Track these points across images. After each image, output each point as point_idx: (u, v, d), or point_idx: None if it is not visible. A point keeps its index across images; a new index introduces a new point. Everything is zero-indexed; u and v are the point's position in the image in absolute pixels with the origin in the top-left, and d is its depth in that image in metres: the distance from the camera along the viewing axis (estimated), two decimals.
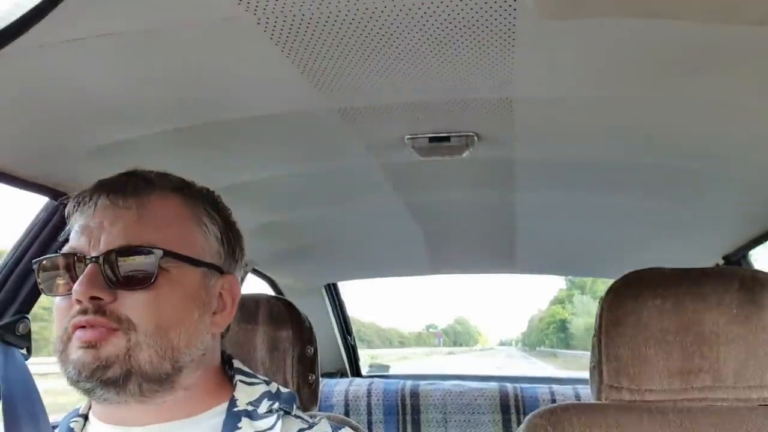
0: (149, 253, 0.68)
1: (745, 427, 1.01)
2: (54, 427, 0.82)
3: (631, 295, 1.08)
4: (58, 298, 0.70)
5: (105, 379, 0.66)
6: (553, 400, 2.22)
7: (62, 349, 0.67)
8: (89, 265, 0.67)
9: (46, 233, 1.19)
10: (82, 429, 0.75)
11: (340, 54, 0.83)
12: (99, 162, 1.10)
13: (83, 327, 0.66)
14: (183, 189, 0.76)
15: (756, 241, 1.61)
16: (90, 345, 0.66)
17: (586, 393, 2.19)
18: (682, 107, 1.01)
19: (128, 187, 0.72)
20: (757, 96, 0.94)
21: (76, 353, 0.66)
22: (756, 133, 1.07)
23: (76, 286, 0.66)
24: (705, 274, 1.09)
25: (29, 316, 1.12)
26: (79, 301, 0.66)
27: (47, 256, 0.73)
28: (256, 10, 0.72)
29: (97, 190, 0.73)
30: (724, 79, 0.89)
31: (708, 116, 1.04)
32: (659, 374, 1.05)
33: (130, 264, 0.68)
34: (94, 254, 0.68)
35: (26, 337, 1.06)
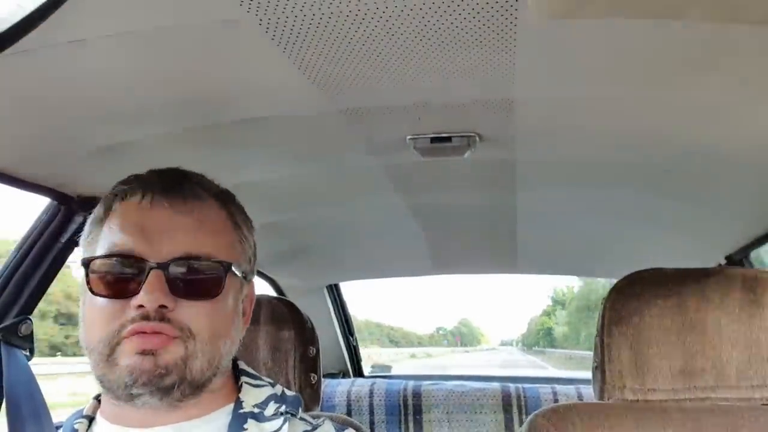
0: (215, 265, 0.69)
1: (748, 426, 1.01)
2: (57, 428, 0.82)
3: (634, 295, 1.08)
4: (102, 299, 0.68)
5: (162, 386, 0.65)
6: (556, 400, 2.22)
7: (109, 353, 0.66)
8: (154, 272, 0.66)
9: (48, 234, 1.19)
10: (87, 430, 0.75)
11: (342, 55, 0.83)
12: (102, 163, 1.10)
13: (142, 333, 0.65)
14: (228, 199, 0.77)
15: (759, 241, 1.61)
16: (150, 352, 0.65)
17: (589, 393, 2.19)
18: (683, 107, 1.01)
19: (186, 191, 0.72)
20: (758, 95, 0.94)
21: (131, 359, 0.65)
22: (758, 133, 1.07)
23: (143, 293, 0.65)
24: (707, 274, 1.09)
25: (31, 318, 1.12)
26: (141, 307, 0.65)
27: (101, 255, 0.70)
28: (257, 11, 0.72)
29: (150, 187, 0.71)
30: (726, 78, 0.89)
31: (710, 116, 1.04)
32: (662, 374, 1.05)
33: (194, 275, 0.68)
34: (158, 260, 0.67)
35: (29, 339, 1.06)
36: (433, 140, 1.16)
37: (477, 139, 1.15)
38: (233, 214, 0.76)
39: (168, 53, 0.82)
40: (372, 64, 0.86)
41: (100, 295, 0.68)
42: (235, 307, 0.73)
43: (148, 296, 0.65)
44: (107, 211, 0.73)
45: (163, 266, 0.67)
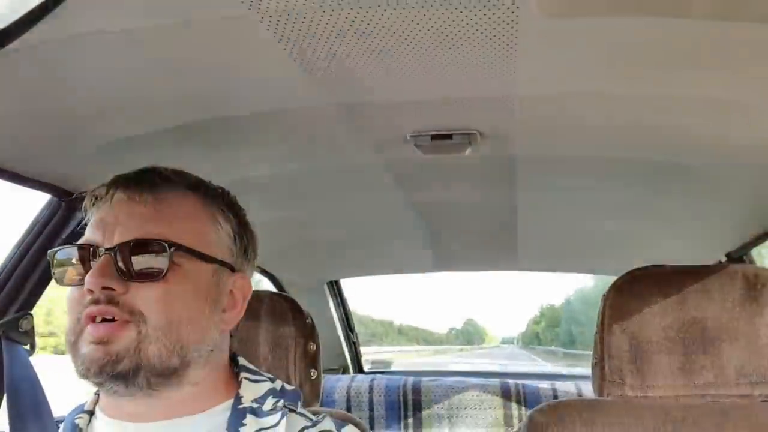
0: (161, 246, 0.69)
1: (747, 423, 1.02)
2: (58, 422, 0.82)
3: (634, 292, 1.08)
4: (70, 289, 0.71)
5: (115, 373, 0.66)
6: (555, 397, 2.22)
7: (74, 341, 0.68)
8: (102, 256, 0.68)
9: (49, 230, 1.19)
10: (87, 424, 0.76)
11: (343, 51, 0.83)
12: (102, 159, 1.10)
13: (94, 320, 0.67)
14: (199, 187, 0.77)
15: (759, 239, 1.61)
16: (101, 341, 0.66)
17: (588, 389, 2.19)
18: (684, 105, 1.01)
19: (145, 182, 0.73)
20: (759, 93, 0.94)
21: (86, 348, 0.66)
22: (759, 130, 1.07)
23: (88, 276, 0.67)
24: (707, 272, 1.09)
25: (32, 313, 1.12)
26: (91, 291, 0.67)
27: (62, 247, 0.73)
28: (259, 7, 0.72)
29: (113, 184, 0.73)
30: (727, 76, 0.89)
31: (711, 114, 1.03)
32: (661, 371, 1.06)
33: (142, 257, 0.69)
34: (108, 246, 0.69)
35: (30, 334, 1.06)
36: (434, 137, 1.16)
37: (478, 136, 1.15)
38: (205, 203, 0.76)
39: (168, 50, 0.82)
40: (373, 61, 0.86)
41: (62, 284, 0.72)
42: (204, 294, 0.72)
43: (93, 279, 0.66)
44: (86, 214, 0.76)
45: (111, 250, 0.68)
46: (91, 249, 0.70)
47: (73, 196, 1.19)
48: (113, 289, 0.67)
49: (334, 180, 1.48)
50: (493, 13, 0.74)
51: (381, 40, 0.80)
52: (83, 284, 0.68)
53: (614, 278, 1.13)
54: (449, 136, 1.15)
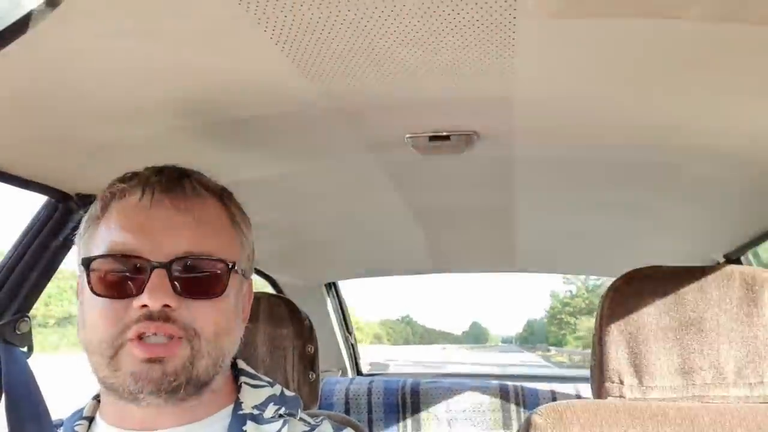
0: (218, 264, 0.69)
1: (745, 424, 1.01)
2: (57, 426, 0.82)
3: (632, 293, 1.08)
4: (103, 299, 0.67)
5: (170, 390, 0.65)
6: (554, 398, 2.22)
7: (112, 355, 0.65)
8: (157, 271, 0.65)
9: (47, 232, 1.19)
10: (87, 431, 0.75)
11: (340, 53, 0.83)
12: (100, 161, 1.10)
13: (140, 337, 0.64)
14: (226, 197, 0.77)
15: (757, 239, 1.61)
16: (157, 360, 0.64)
17: (587, 391, 2.19)
18: (682, 105, 1.01)
19: (186, 188, 0.71)
20: (757, 94, 0.94)
21: (137, 367, 0.64)
22: (756, 132, 1.07)
23: (147, 293, 0.64)
24: (705, 272, 1.09)
25: (29, 315, 1.12)
26: (143, 306, 0.65)
27: (102, 254, 0.69)
28: (256, 10, 0.72)
29: (149, 184, 0.71)
30: (725, 77, 0.89)
31: (709, 115, 1.04)
32: (660, 372, 1.06)
33: (197, 273, 0.68)
34: (160, 259, 0.66)
35: (27, 336, 1.06)
36: (432, 138, 1.16)
37: (475, 137, 1.15)
38: (232, 212, 0.76)
39: (165, 51, 0.82)
40: (370, 61, 0.86)
41: (102, 296, 0.67)
42: (236, 305, 0.73)
43: (151, 296, 0.64)
44: (104, 209, 0.72)
45: (165, 265, 0.66)
46: (140, 263, 0.66)
47: (71, 198, 1.19)
48: (170, 306, 0.65)
49: (331, 181, 1.48)
50: (491, 14, 0.74)
51: (379, 41, 0.80)
52: (127, 296, 0.66)
53: (613, 279, 1.13)
54: (447, 137, 1.15)
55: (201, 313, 0.67)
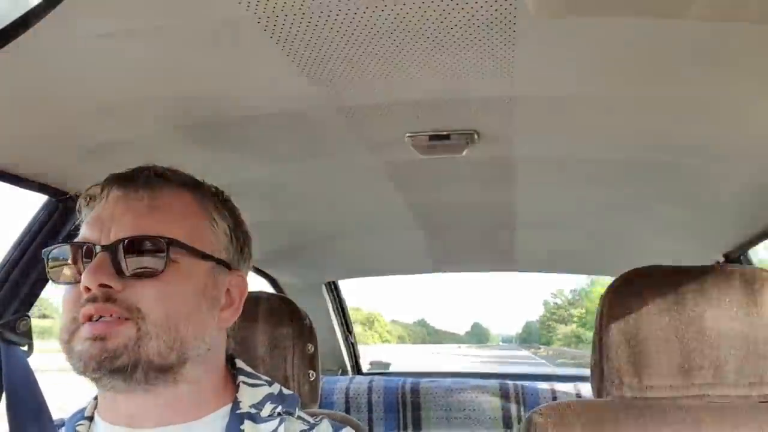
0: (158, 243, 0.69)
1: (745, 424, 1.02)
2: (58, 426, 0.82)
3: (632, 293, 1.08)
4: (66, 288, 0.70)
5: (113, 368, 0.66)
6: (554, 398, 2.22)
7: (67, 339, 0.67)
8: (100, 254, 0.67)
9: (46, 231, 1.19)
10: (88, 431, 0.75)
11: (341, 53, 0.83)
12: (100, 160, 1.10)
13: (90, 319, 0.66)
14: (194, 185, 0.77)
15: (757, 239, 1.61)
16: (98, 337, 0.65)
17: (587, 390, 2.19)
18: (682, 105, 1.01)
19: (140, 179, 0.73)
20: (757, 94, 0.94)
21: (82, 345, 0.66)
22: (756, 131, 1.07)
23: (85, 274, 0.66)
24: (705, 272, 1.09)
25: (29, 314, 1.12)
26: (88, 289, 0.66)
27: (57, 245, 0.72)
28: (256, 9, 0.72)
29: (109, 182, 0.73)
30: (725, 77, 0.89)
31: (709, 114, 1.04)
32: (660, 372, 1.06)
33: (139, 254, 0.68)
34: (104, 243, 0.68)
35: (27, 335, 1.05)
36: (432, 138, 1.16)
37: (476, 136, 1.15)
38: (201, 201, 0.76)
39: (166, 51, 0.82)
40: (370, 61, 0.86)
41: (57, 282, 0.71)
42: (202, 291, 0.72)
43: (89, 276, 0.66)
44: (80, 212, 0.75)
45: (107, 247, 0.68)
46: (86, 247, 0.69)
47: (71, 197, 1.19)
48: (110, 287, 0.66)
49: (332, 181, 1.48)
50: (491, 14, 0.74)
51: (379, 41, 0.80)
52: (79, 283, 0.67)
53: (612, 279, 1.13)
54: (447, 137, 1.15)
55: (146, 294, 0.68)
